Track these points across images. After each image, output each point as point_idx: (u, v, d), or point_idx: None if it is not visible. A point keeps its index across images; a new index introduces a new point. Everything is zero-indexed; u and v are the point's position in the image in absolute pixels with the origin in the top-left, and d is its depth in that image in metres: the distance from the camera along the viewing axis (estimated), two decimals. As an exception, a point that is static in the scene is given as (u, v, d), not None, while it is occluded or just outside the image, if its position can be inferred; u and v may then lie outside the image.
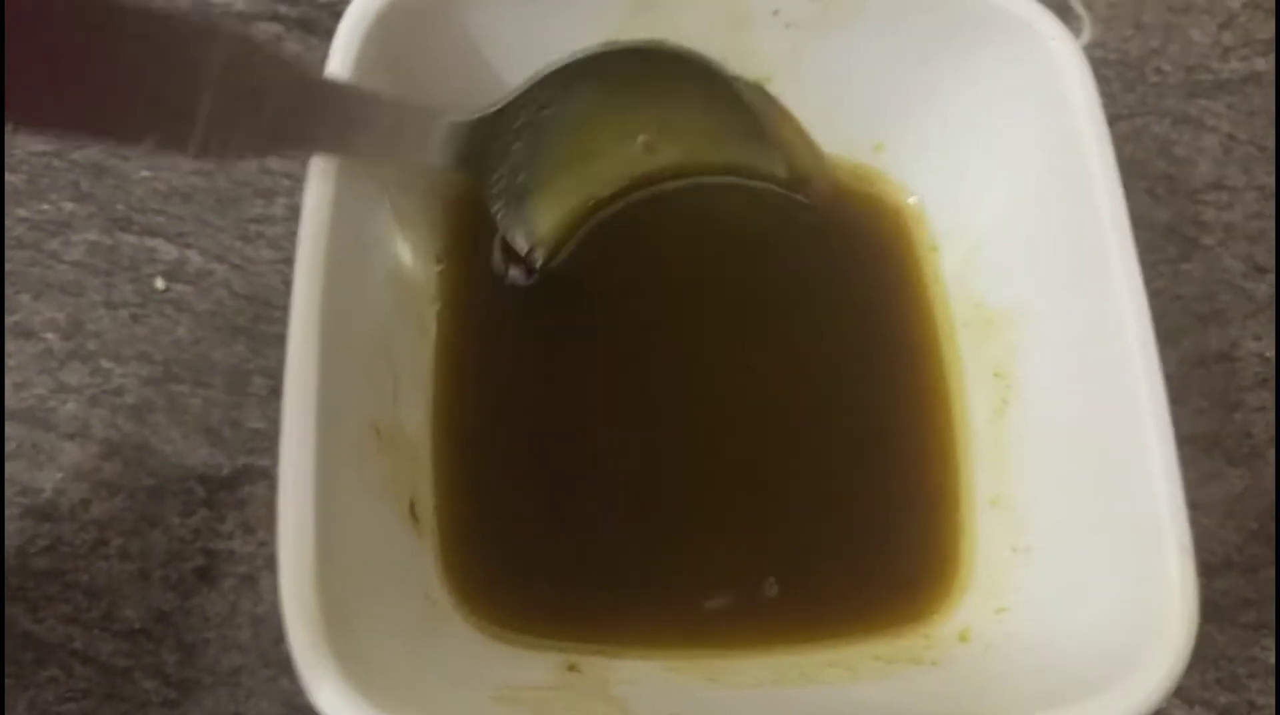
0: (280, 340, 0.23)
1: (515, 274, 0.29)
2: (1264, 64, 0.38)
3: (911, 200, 0.30)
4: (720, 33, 0.27)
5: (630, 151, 0.30)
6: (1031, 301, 0.27)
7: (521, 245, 0.29)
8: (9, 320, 0.31)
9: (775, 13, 0.27)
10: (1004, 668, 0.24)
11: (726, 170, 0.31)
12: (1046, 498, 0.26)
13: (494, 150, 0.28)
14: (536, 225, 0.30)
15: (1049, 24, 0.26)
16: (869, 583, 0.27)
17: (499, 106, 0.27)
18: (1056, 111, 0.25)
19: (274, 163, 0.33)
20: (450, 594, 0.25)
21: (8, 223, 0.32)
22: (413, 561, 0.25)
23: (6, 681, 0.27)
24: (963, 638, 0.25)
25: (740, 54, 0.28)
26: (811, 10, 0.27)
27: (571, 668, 0.24)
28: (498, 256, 0.29)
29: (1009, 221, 0.28)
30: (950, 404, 0.29)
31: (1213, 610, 0.30)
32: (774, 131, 0.30)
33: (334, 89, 0.24)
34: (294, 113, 0.22)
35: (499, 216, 0.28)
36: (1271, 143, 0.37)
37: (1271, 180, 0.36)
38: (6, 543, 0.28)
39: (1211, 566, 0.31)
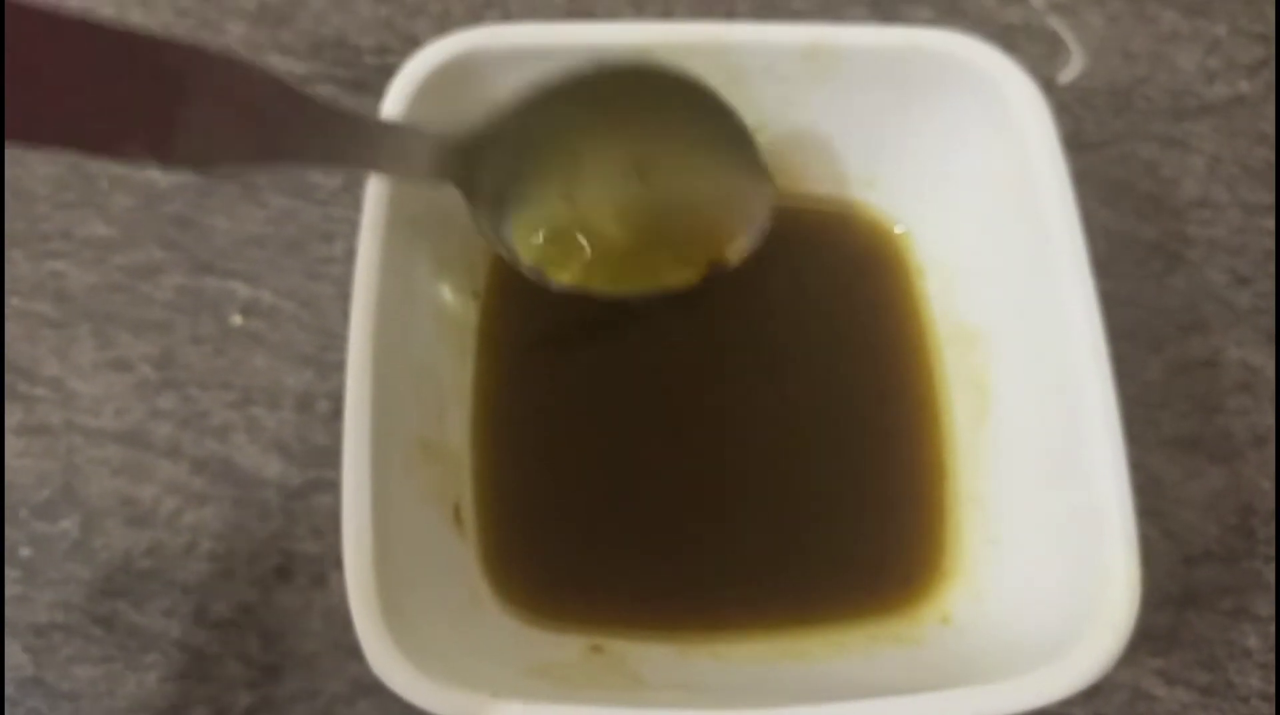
0: (342, 367, 0.26)
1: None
2: (1247, 86, 0.40)
3: (899, 230, 0.33)
4: (718, 87, 0.30)
5: (620, 175, 0.31)
6: (999, 322, 0.30)
7: (513, 260, 0.30)
8: (111, 355, 0.34)
9: (766, 69, 0.30)
10: (976, 646, 0.26)
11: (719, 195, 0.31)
12: (1014, 495, 0.28)
13: (482, 167, 0.28)
14: (523, 242, 0.30)
15: (1009, 71, 0.28)
16: (864, 574, 0.30)
17: (487, 122, 0.28)
18: (1017, 152, 0.28)
19: (334, 210, 0.36)
20: (490, 586, 0.28)
21: (107, 270, 0.36)
22: (457, 558, 0.28)
23: (118, 665, 0.31)
24: (944, 620, 0.28)
25: (737, 104, 0.31)
26: (798, 66, 0.29)
27: (595, 649, 0.28)
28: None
29: (980, 250, 0.30)
30: (937, 412, 0.31)
31: (1193, 597, 0.33)
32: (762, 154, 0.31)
33: (318, 104, 0.24)
34: (277, 125, 0.22)
35: (487, 232, 0.29)
36: (1254, 161, 0.39)
37: (1253, 197, 0.38)
38: (114, 548, 0.32)
39: (1192, 557, 0.33)
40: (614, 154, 0.30)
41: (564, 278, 0.31)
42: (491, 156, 0.28)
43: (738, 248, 0.32)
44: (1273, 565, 0.33)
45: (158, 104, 0.20)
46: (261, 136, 0.22)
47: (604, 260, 0.31)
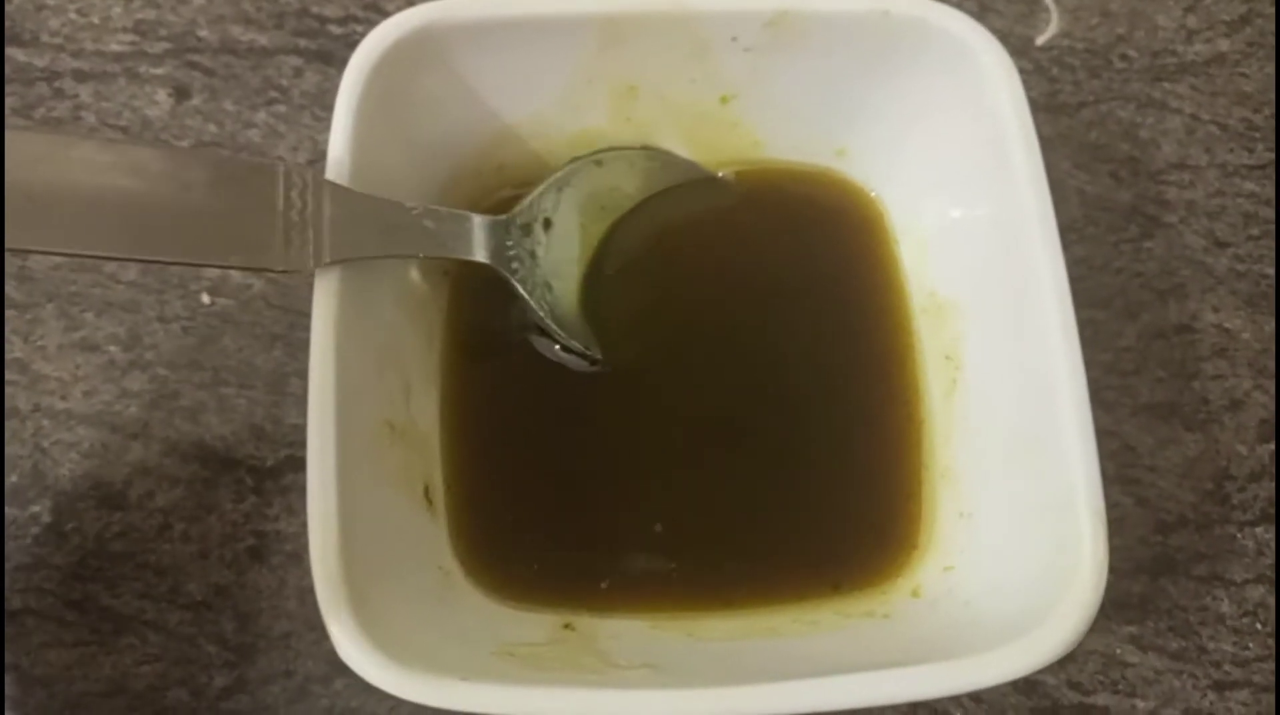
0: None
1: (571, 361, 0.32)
2: (1227, 45, 0.40)
3: (872, 196, 0.33)
4: (686, 60, 0.30)
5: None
6: (971, 295, 0.29)
7: (562, 336, 0.31)
8: (77, 336, 0.34)
9: (733, 39, 0.29)
10: (945, 619, 0.27)
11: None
12: (985, 469, 0.28)
13: (515, 244, 0.30)
14: (563, 309, 0.32)
15: (980, 38, 0.28)
16: (836, 548, 0.30)
17: (519, 209, 0.31)
18: (987, 121, 0.28)
19: (301, 185, 0.36)
20: (461, 566, 0.29)
21: None
22: (427, 538, 0.28)
23: (92, 648, 0.31)
24: (915, 594, 0.28)
25: (707, 76, 0.30)
26: (764, 35, 0.29)
27: (567, 626, 0.28)
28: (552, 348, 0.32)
29: (950, 221, 0.30)
30: (909, 385, 0.31)
31: (1167, 564, 0.33)
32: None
33: (378, 203, 0.27)
34: (347, 226, 0.26)
35: (532, 309, 0.31)
36: (1233, 121, 0.39)
37: (1232, 158, 0.38)
38: (86, 531, 0.32)
39: (1167, 524, 0.33)
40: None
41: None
42: (520, 234, 0.31)
43: None
44: (1247, 530, 0.33)
45: (256, 219, 0.24)
46: (330, 234, 0.26)
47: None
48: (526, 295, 0.30)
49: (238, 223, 0.25)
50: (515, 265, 0.30)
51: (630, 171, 0.33)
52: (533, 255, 0.31)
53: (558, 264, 0.32)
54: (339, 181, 0.27)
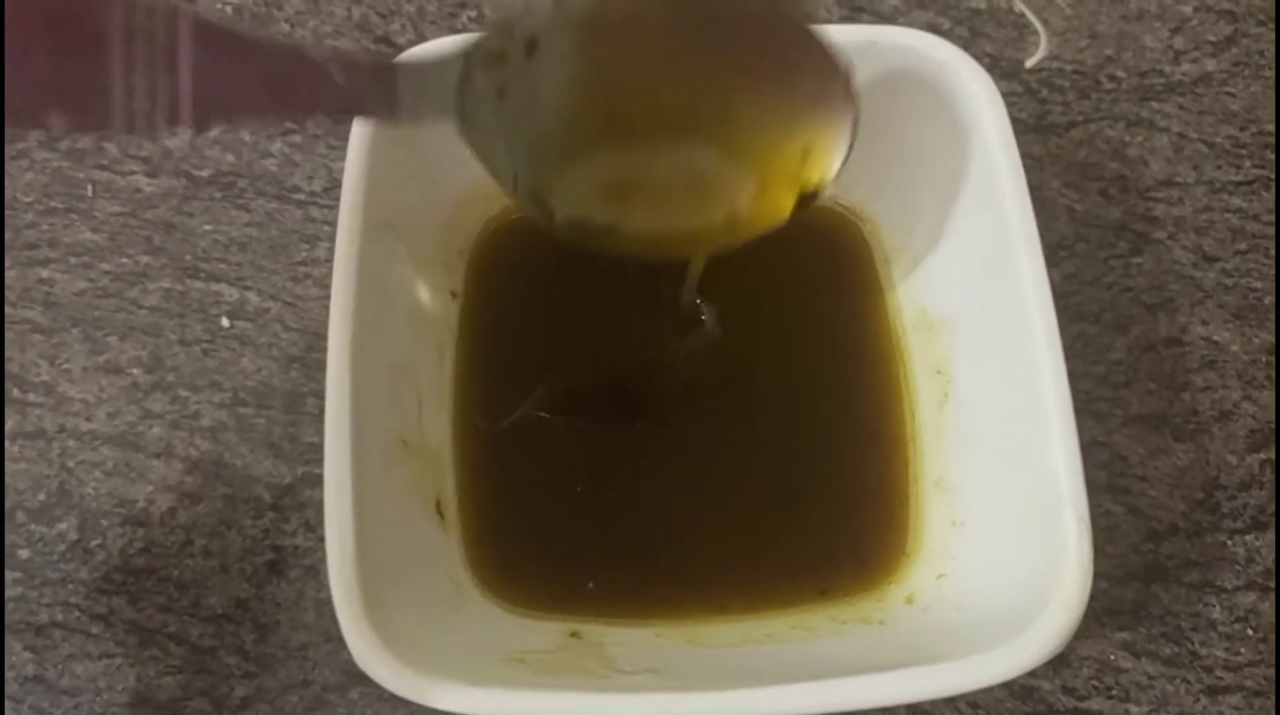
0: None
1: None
2: (1213, 64, 0.41)
3: (865, 218, 0.34)
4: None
5: (673, 110, 0.25)
6: (960, 312, 0.30)
7: (537, 215, 0.26)
8: (101, 359, 0.35)
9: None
10: (938, 624, 0.27)
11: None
12: (975, 479, 0.29)
13: (483, 99, 0.23)
14: (549, 190, 0.26)
15: (966, 65, 0.29)
16: (832, 556, 0.31)
17: (487, 27, 0.24)
18: (974, 144, 0.29)
19: (315, 212, 0.37)
20: (472, 576, 0.30)
21: (94, 275, 0.37)
22: (439, 550, 0.29)
23: (117, 660, 0.32)
24: (909, 600, 0.29)
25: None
26: (758, 65, 0.30)
27: (573, 634, 0.29)
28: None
29: (940, 241, 0.31)
30: (902, 399, 0.32)
31: (1159, 572, 0.34)
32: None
33: (261, 45, 0.21)
34: (212, 72, 0.20)
35: (502, 175, 0.25)
36: (1220, 139, 0.40)
37: (1219, 175, 0.39)
38: (110, 548, 0.33)
39: (1159, 532, 0.34)
40: (660, 87, 0.25)
41: (603, 240, 0.26)
42: (503, 87, 0.24)
43: (826, 167, 0.26)
44: (1237, 538, 0.34)
45: (77, 64, 0.19)
46: (194, 85, 0.20)
47: (650, 208, 0.27)
48: (486, 163, 0.24)
49: (58, 68, 0.18)
50: (474, 111, 0.23)
51: None
52: (500, 95, 0.23)
53: (537, 110, 0.24)
54: (353, 216, 0.27)
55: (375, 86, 0.22)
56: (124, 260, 0.37)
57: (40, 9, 0.18)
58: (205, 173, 0.38)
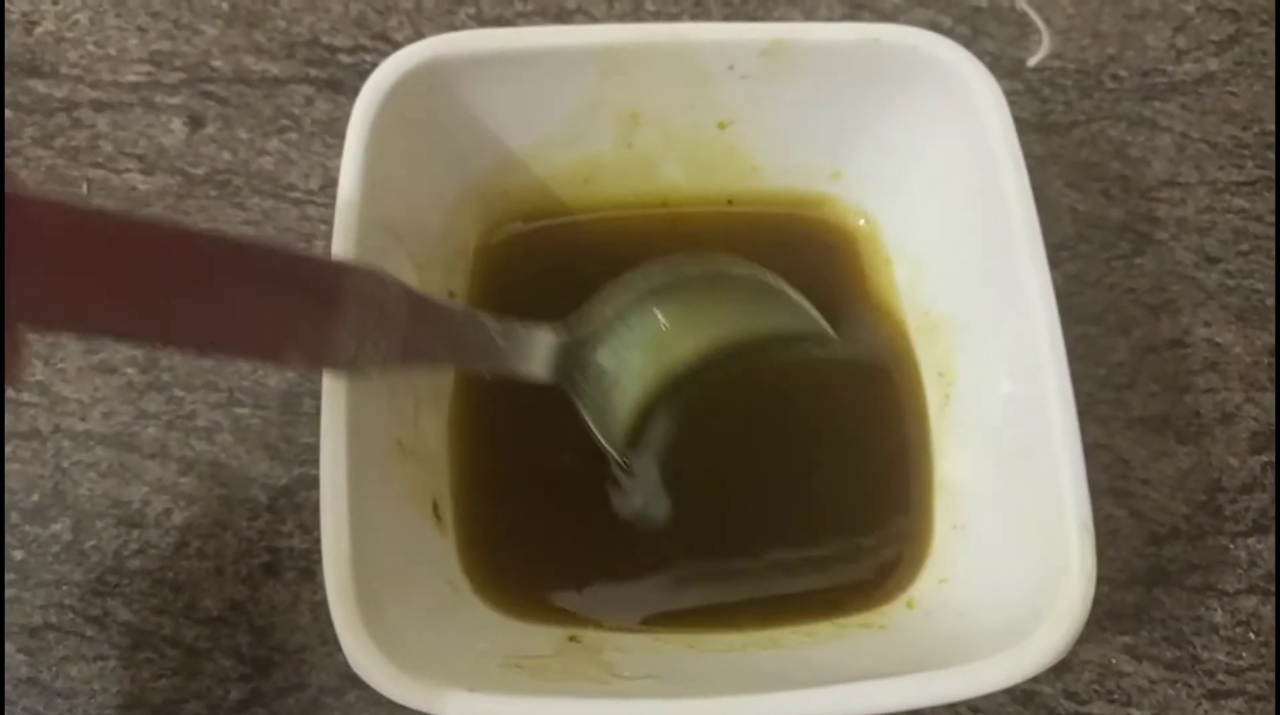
0: (322, 368, 0.27)
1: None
2: (1216, 64, 0.41)
3: (862, 222, 0.34)
4: (685, 87, 0.31)
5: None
6: (961, 312, 0.30)
7: (614, 450, 0.31)
8: (96, 359, 0.35)
9: (730, 68, 0.30)
10: (939, 630, 0.27)
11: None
12: (978, 482, 0.29)
13: (583, 365, 0.30)
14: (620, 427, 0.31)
15: (968, 64, 0.29)
16: (833, 561, 0.30)
17: (590, 327, 0.30)
18: (976, 144, 0.28)
19: (311, 210, 0.37)
20: (469, 580, 0.29)
21: None
22: (436, 553, 0.29)
23: (111, 662, 0.32)
24: (910, 605, 0.29)
25: (705, 103, 0.31)
26: (759, 64, 0.30)
27: (572, 639, 0.28)
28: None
29: (942, 241, 0.31)
30: (905, 402, 0.32)
31: (1161, 575, 0.34)
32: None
33: (457, 315, 0.28)
34: (417, 334, 0.25)
35: (592, 423, 0.31)
36: (1222, 139, 0.39)
37: (1222, 175, 0.39)
38: (105, 549, 0.33)
39: (1161, 536, 0.34)
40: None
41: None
42: (589, 354, 0.31)
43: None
44: (1239, 541, 0.34)
45: (315, 318, 0.22)
46: (402, 343, 0.25)
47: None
48: (585, 414, 0.31)
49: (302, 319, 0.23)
50: (578, 377, 0.30)
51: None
52: (598, 370, 0.31)
53: (619, 377, 0.31)
54: (350, 216, 0.27)
55: (527, 349, 0.29)
56: (119, 259, 0.36)
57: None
58: (201, 171, 0.38)
